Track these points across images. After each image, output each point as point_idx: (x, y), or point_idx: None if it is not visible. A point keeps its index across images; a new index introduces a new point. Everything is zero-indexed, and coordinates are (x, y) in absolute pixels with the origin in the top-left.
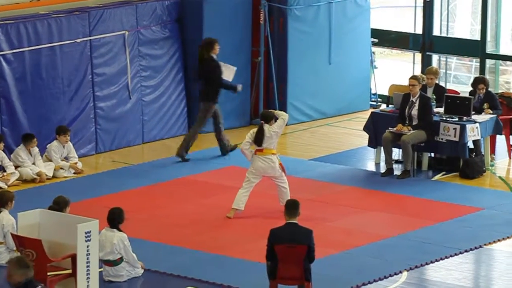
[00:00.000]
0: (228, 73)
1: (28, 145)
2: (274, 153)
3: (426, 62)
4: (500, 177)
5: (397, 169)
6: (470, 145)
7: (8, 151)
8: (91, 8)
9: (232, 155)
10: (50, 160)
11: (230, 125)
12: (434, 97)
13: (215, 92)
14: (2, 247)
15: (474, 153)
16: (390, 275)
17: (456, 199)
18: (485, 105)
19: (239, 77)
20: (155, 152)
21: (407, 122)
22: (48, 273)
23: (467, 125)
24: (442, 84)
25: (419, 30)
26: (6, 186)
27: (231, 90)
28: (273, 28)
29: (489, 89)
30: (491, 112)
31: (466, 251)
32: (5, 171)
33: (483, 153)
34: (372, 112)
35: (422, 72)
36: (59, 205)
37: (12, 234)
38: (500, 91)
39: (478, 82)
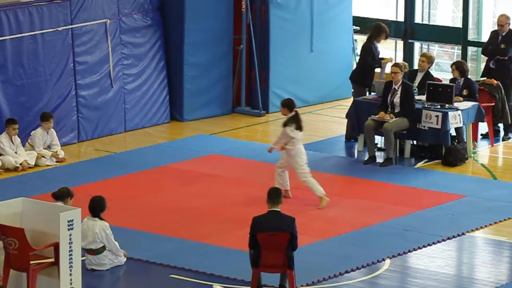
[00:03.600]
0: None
1: (10, 129)
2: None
3: (408, 50)
4: (482, 165)
5: (380, 157)
6: (453, 132)
7: None
8: None
9: (212, 142)
10: (33, 148)
11: (212, 113)
12: (416, 84)
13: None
14: None
15: (456, 141)
16: (373, 263)
17: (438, 187)
18: (465, 92)
19: (221, 65)
20: (137, 140)
21: (389, 109)
22: (31, 262)
23: (449, 113)
24: None
25: (401, 18)
26: None
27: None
28: (255, 16)
29: (469, 76)
30: (461, 99)
31: (448, 238)
32: None
33: (465, 140)
34: (354, 100)
35: (404, 59)
36: (62, 194)
37: None
38: (481, 78)
39: (452, 64)
